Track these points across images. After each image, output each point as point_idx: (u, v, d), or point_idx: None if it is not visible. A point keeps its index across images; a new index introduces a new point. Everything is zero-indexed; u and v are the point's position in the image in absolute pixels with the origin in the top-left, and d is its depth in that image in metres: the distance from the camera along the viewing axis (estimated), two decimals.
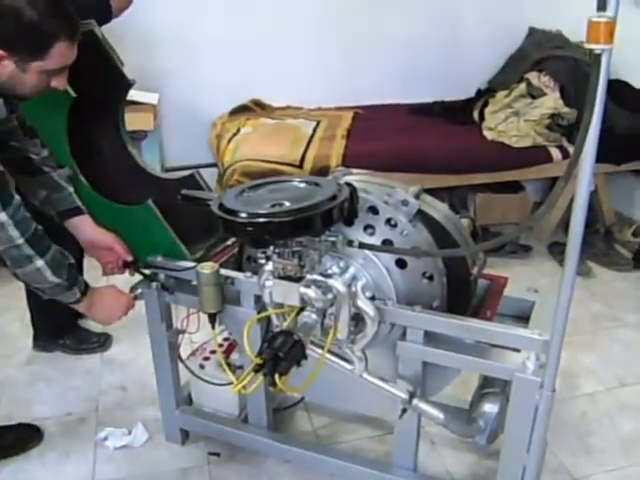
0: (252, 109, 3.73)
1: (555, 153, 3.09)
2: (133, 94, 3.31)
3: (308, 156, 3.03)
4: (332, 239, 1.43)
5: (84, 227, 1.82)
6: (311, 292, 1.45)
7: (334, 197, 1.39)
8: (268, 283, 1.49)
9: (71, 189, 1.82)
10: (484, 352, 1.55)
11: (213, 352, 2.05)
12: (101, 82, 1.96)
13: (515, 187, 3.50)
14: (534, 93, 3.17)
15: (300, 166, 2.97)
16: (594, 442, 2.10)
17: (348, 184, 1.50)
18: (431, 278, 1.58)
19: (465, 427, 1.65)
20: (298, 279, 1.45)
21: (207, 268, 1.70)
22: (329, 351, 1.61)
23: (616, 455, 2.06)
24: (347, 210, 1.45)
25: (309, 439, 2.11)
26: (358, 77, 3.82)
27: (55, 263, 1.56)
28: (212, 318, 1.77)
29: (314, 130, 3.39)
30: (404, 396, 1.59)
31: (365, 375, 1.62)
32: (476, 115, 3.39)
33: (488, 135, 3.20)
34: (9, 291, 2.82)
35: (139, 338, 1.95)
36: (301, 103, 3.82)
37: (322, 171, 2.95)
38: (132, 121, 3.23)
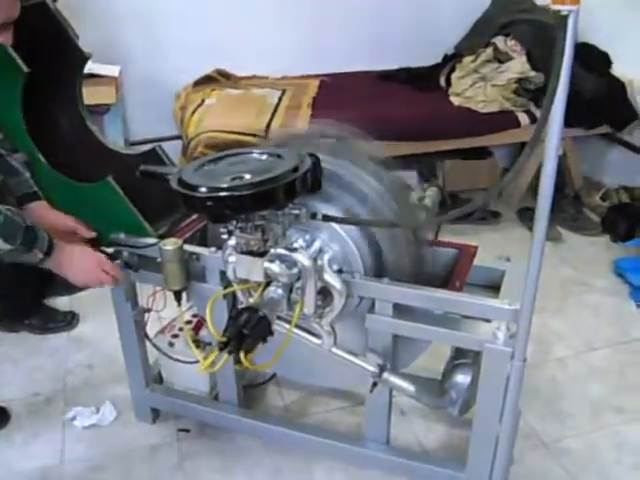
0: (217, 79, 3.63)
1: (523, 118, 3.06)
2: (93, 67, 3.24)
3: (273, 126, 2.97)
4: (295, 212, 1.39)
5: (42, 212, 1.76)
6: (275, 267, 1.42)
7: (296, 169, 1.35)
8: (231, 259, 1.45)
9: (28, 174, 1.76)
10: (454, 323, 1.53)
11: (182, 329, 2.01)
12: (55, 56, 1.89)
13: (483, 153, 3.49)
14: (501, 57, 3.14)
15: (265, 136, 2.91)
16: (564, 406, 2.12)
17: (311, 154, 1.45)
18: (399, 249, 1.55)
19: (437, 399, 1.64)
20: (262, 254, 1.41)
21: (170, 244, 1.65)
22: (297, 326, 1.58)
23: (585, 419, 2.08)
24: (310, 181, 1.41)
25: (280, 414, 2.09)
26: (324, 44, 3.74)
27: (6, 229, 1.48)
28: (177, 295, 1.72)
29: (279, 99, 3.32)
30: (374, 370, 1.58)
31: (334, 349, 1.60)
32: (443, 81, 3.35)
33: (455, 101, 3.17)
34: None
35: (106, 315, 1.90)
36: (267, 72, 3.73)
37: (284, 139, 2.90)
38: (93, 95, 3.16)
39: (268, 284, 1.48)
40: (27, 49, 1.78)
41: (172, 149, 3.23)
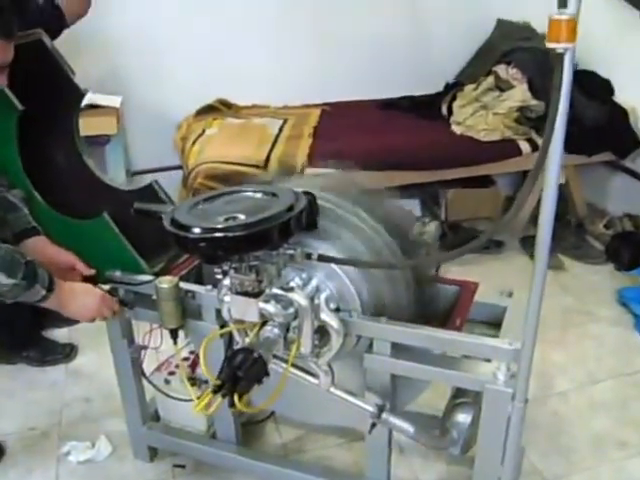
0: (218, 109, 3.64)
1: (524, 146, 3.05)
2: (94, 98, 3.26)
3: (273, 156, 2.96)
4: (290, 252, 1.37)
5: (41, 247, 1.74)
6: (270, 307, 1.40)
7: (291, 208, 1.33)
8: (226, 299, 1.43)
9: (26, 210, 1.75)
10: (454, 363, 1.50)
11: (177, 367, 1.99)
12: (52, 92, 1.90)
13: (486, 181, 3.46)
14: (502, 86, 3.14)
15: (265, 167, 2.91)
16: (567, 441, 2.08)
17: (307, 192, 1.44)
18: (397, 287, 1.53)
19: (437, 439, 1.60)
20: (257, 294, 1.39)
21: (166, 282, 1.63)
22: (294, 365, 1.56)
23: (589, 454, 2.04)
24: (306, 220, 1.40)
25: (278, 452, 2.06)
26: (326, 74, 3.76)
27: (6, 264, 1.46)
28: (173, 333, 1.71)
29: (280, 129, 3.32)
30: (373, 410, 1.55)
31: (332, 389, 1.56)
32: (444, 109, 3.35)
33: (457, 130, 3.16)
34: None
35: (105, 347, 1.88)
36: (268, 101, 3.74)
37: (287, 172, 2.89)
38: (94, 125, 3.17)
39: (265, 323, 1.46)
40: (23, 86, 1.79)
41: (174, 179, 3.25)
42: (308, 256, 1.39)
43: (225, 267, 1.40)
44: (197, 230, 1.28)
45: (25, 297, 1.52)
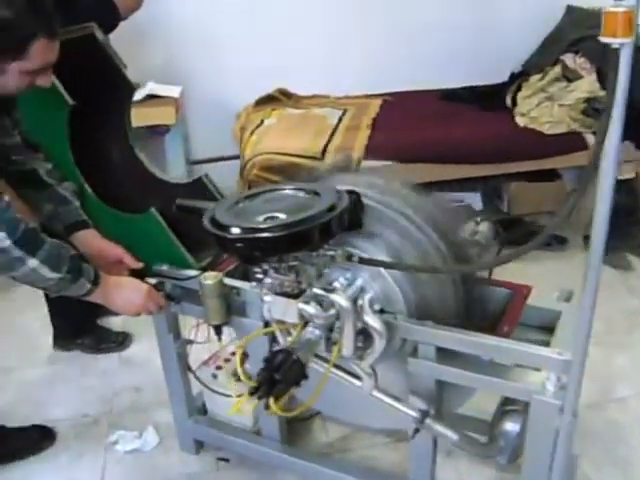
0: (278, 99, 3.63)
1: (591, 139, 2.91)
2: (154, 88, 3.30)
3: (330, 148, 2.92)
4: (331, 253, 1.33)
5: (91, 240, 1.76)
6: (310, 309, 1.37)
7: (332, 208, 1.29)
8: (266, 299, 1.41)
9: (77, 203, 1.77)
10: (501, 371, 1.43)
11: (227, 360, 1.99)
12: (104, 86, 1.90)
13: (551, 175, 3.32)
14: (569, 76, 3.00)
15: (321, 159, 2.87)
16: (624, 453, 1.97)
17: (351, 191, 1.40)
18: (444, 290, 1.47)
19: (483, 447, 1.54)
20: (297, 295, 1.36)
21: (210, 278, 1.62)
22: (338, 366, 1.53)
23: None
24: (348, 220, 1.36)
25: (323, 450, 2.03)
26: (387, 63, 3.69)
27: (52, 258, 1.46)
28: (218, 329, 1.70)
29: (339, 120, 3.28)
30: (416, 415, 1.50)
31: (375, 392, 1.53)
32: (509, 100, 3.23)
33: (520, 121, 3.04)
34: (29, 289, 2.80)
35: None
36: (328, 91, 3.71)
37: (344, 165, 2.85)
38: (154, 115, 3.22)
39: (307, 323, 1.43)
40: (74, 81, 1.80)
41: (233, 169, 3.26)
42: (349, 258, 1.35)
43: (265, 266, 1.38)
44: (235, 230, 1.26)
45: (71, 291, 1.54)
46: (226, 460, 2.00)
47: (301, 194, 1.40)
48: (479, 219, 1.84)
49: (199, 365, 1.96)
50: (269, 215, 1.30)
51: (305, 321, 1.42)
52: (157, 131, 3.33)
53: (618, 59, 0.97)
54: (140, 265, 1.77)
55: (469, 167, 3.04)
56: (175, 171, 3.43)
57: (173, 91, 3.30)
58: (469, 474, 1.92)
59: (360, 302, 1.45)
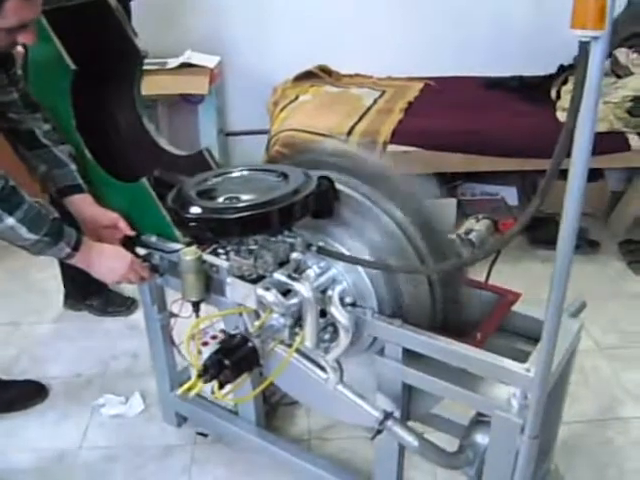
0: (318, 75, 3.55)
1: (634, 141, 2.73)
2: (192, 56, 3.28)
3: (356, 130, 2.84)
4: (290, 241, 1.28)
5: (84, 205, 1.75)
6: (269, 296, 1.31)
7: (295, 192, 1.23)
8: (228, 280, 1.37)
9: (73, 167, 1.75)
10: (471, 380, 1.35)
11: (214, 337, 1.96)
12: (113, 53, 1.88)
13: (593, 174, 3.15)
14: (619, 72, 2.81)
15: (346, 140, 2.79)
16: (613, 476, 1.86)
17: (326, 177, 1.33)
18: (419, 289, 1.40)
19: (448, 457, 1.47)
20: (255, 280, 1.32)
21: (189, 254, 1.58)
22: (305, 356, 1.49)
23: None
24: (318, 207, 1.30)
25: (302, 437, 2.00)
26: (435, 46, 3.56)
27: (30, 219, 1.46)
28: (195, 306, 1.67)
29: (375, 101, 3.19)
30: (378, 416, 1.44)
31: (339, 387, 1.47)
32: (554, 93, 3.06)
33: (561, 116, 2.88)
34: None
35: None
36: (371, 71, 3.61)
37: (368, 147, 2.77)
38: (187, 84, 3.21)
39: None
40: (84, 45, 1.79)
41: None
42: (308, 246, 1.29)
43: (228, 247, 1.34)
44: (191, 208, 1.22)
45: (51, 253, 1.54)
46: (205, 435, 2.00)
47: (271, 176, 1.34)
48: (480, 217, 1.75)
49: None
50: (231, 196, 1.25)
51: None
52: (191, 100, 3.33)
53: (587, 54, 0.88)
54: (133, 233, 1.76)
55: (504, 160, 2.90)
56: (206, 141, 3.42)
57: (209, 61, 3.27)
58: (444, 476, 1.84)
59: (330, 293, 1.39)
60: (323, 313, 1.40)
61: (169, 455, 1.94)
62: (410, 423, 1.52)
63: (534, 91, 3.20)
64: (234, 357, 1.28)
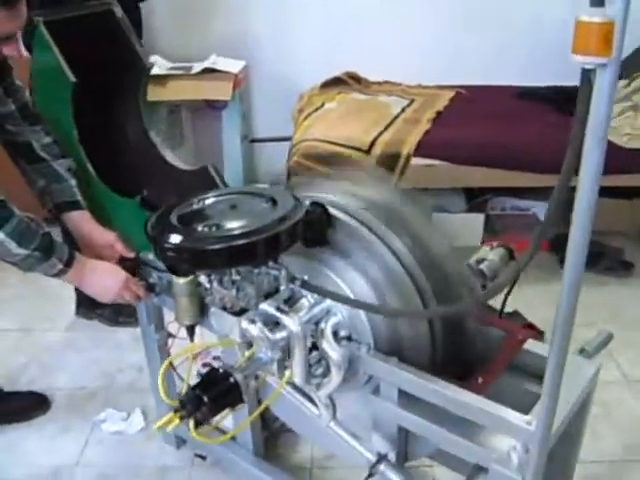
0: (346, 82, 3.47)
1: None
2: (216, 61, 3.22)
3: (380, 140, 2.73)
4: (274, 273, 1.20)
5: (82, 222, 1.70)
6: (253, 329, 1.24)
7: (280, 221, 1.15)
8: (212, 310, 1.29)
9: (73, 182, 1.71)
10: (467, 428, 1.25)
11: (216, 358, 1.90)
12: (117, 64, 1.85)
13: (630, 192, 2.99)
14: None
15: (368, 151, 2.70)
16: None
17: (317, 204, 1.25)
18: (419, 326, 1.30)
19: None
20: (238, 312, 1.24)
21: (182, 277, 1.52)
22: (299, 390, 1.40)
23: None
24: (310, 235, 1.21)
25: (304, 465, 1.91)
26: (466, 54, 3.44)
27: (19, 234, 1.42)
28: (190, 330, 1.60)
29: (403, 109, 3.09)
30: (371, 459, 1.35)
31: (332, 425, 1.39)
32: None
33: None
34: None
35: None
36: (401, 79, 3.50)
37: (391, 159, 2.67)
38: (210, 90, 3.16)
39: None
40: (88, 56, 1.75)
41: None
42: (292, 280, 1.20)
43: (212, 277, 1.26)
44: (168, 236, 1.15)
45: (42, 269, 1.49)
46: (203, 458, 1.93)
47: (259, 201, 1.26)
48: (495, 244, 1.64)
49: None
50: (212, 223, 1.18)
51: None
52: (214, 106, 3.27)
53: (590, 83, 0.77)
54: (131, 254, 1.70)
55: (533, 176, 2.76)
56: (229, 147, 3.37)
57: (234, 66, 3.20)
58: None
59: (322, 326, 1.31)
60: (316, 346, 1.32)
61: (166, 477, 1.89)
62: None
63: (570, 102, 3.03)
64: (213, 393, 1.21)
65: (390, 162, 2.67)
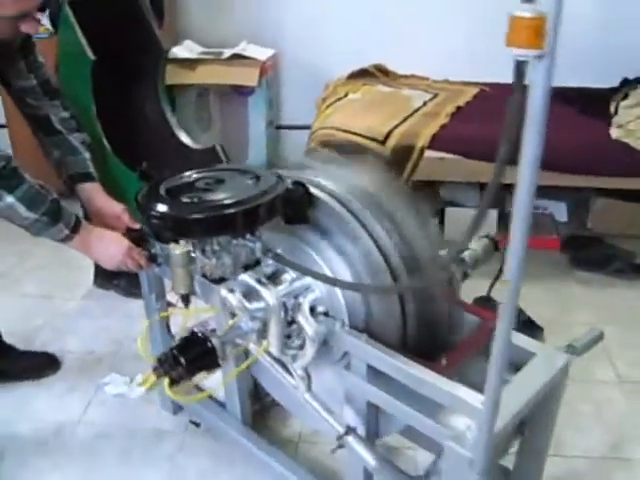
0: (373, 74, 3.52)
1: None
2: (245, 48, 3.31)
3: (396, 132, 2.77)
4: (250, 245, 1.27)
5: (93, 194, 1.80)
6: (232, 299, 1.31)
7: (259, 195, 1.22)
8: (196, 277, 1.37)
9: (86, 155, 1.80)
10: (429, 406, 1.30)
11: (214, 330, 1.98)
12: (137, 47, 1.94)
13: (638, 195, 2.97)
14: None
15: (384, 142, 2.74)
16: None
17: (299, 183, 1.31)
18: (391, 306, 1.36)
19: None
20: (217, 280, 1.32)
21: (178, 248, 1.60)
22: (279, 361, 1.48)
23: None
24: (291, 213, 1.28)
25: (292, 438, 1.99)
26: (494, 51, 3.37)
27: (29, 198, 1.52)
28: (184, 299, 1.68)
29: (424, 103, 3.12)
30: (340, 430, 1.41)
31: (306, 396, 1.45)
32: (612, 108, 2.90)
33: (614, 133, 2.72)
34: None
35: None
36: (429, 73, 3.53)
37: (405, 151, 2.72)
38: (236, 76, 3.25)
39: None
40: (110, 36, 1.84)
41: None
42: (266, 252, 1.27)
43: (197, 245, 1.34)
44: (154, 205, 1.23)
45: (49, 234, 1.58)
46: (197, 425, 2.02)
47: (245, 177, 1.33)
48: (482, 235, 1.68)
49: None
50: (196, 195, 1.25)
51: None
52: (241, 91, 3.36)
53: (522, 74, 0.82)
54: (137, 226, 1.78)
55: (550, 174, 2.76)
56: (254, 132, 3.45)
57: (262, 53, 3.28)
58: None
59: (301, 300, 1.38)
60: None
61: (159, 440, 1.98)
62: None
63: (593, 104, 3.04)
64: (190, 355, 1.29)
65: (404, 154, 2.71)
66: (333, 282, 1.30)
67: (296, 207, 1.30)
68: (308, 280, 1.40)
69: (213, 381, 1.88)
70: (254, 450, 1.80)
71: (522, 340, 1.49)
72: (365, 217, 1.36)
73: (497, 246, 1.66)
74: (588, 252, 2.84)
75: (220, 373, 1.77)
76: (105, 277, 2.69)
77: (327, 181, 1.41)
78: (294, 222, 1.32)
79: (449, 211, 3.05)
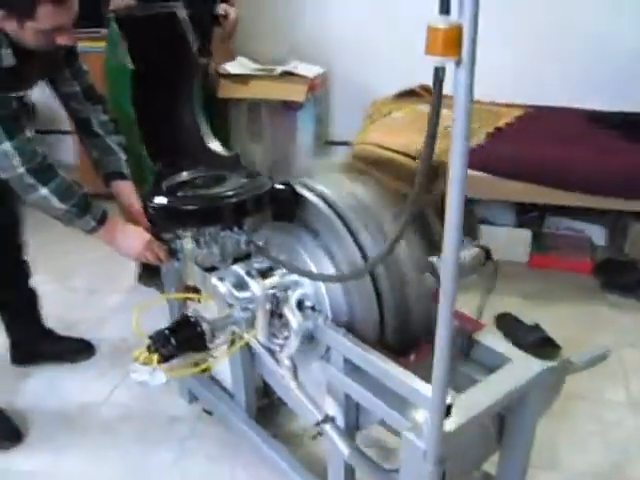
0: (419, 94, 3.59)
1: None
2: (296, 65, 3.47)
3: None
4: (236, 237, 1.39)
5: (124, 192, 1.95)
6: (221, 287, 1.43)
7: (241, 193, 1.34)
8: (188, 264, 1.50)
9: (122, 156, 1.96)
10: (395, 398, 1.37)
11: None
12: (174, 60, 2.10)
13: None
14: None
15: (417, 158, 2.82)
16: None
17: (288, 184, 1.43)
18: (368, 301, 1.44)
19: (382, 474, 1.48)
20: (209, 269, 1.44)
21: (189, 242, 1.74)
22: (269, 350, 1.58)
23: None
24: (275, 209, 1.40)
25: (297, 432, 2.07)
26: (539, 74, 3.47)
27: (61, 191, 1.68)
28: (194, 289, 1.82)
29: None
30: (318, 417, 1.50)
31: (291, 384, 1.55)
32: None
33: None
34: None
35: None
36: (476, 95, 3.57)
37: (438, 168, 2.77)
38: (285, 91, 3.40)
39: None
40: (151, 49, 2.02)
41: None
42: (248, 243, 1.39)
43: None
44: (153, 198, 1.37)
45: (79, 225, 1.75)
46: (209, 413, 2.14)
47: (242, 177, 1.46)
48: (474, 244, 1.74)
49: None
50: (192, 190, 1.39)
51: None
52: (290, 107, 3.50)
53: (440, 80, 0.91)
54: None
55: (590, 198, 2.78)
56: (302, 147, 3.59)
57: (311, 71, 3.43)
58: None
59: (289, 294, 1.48)
60: None
61: (173, 425, 2.12)
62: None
63: (636, 129, 3.01)
64: (180, 336, 1.41)
65: (437, 170, 2.77)
66: (301, 272, 1.41)
67: (283, 205, 1.41)
68: (297, 276, 1.50)
69: (223, 373, 2.03)
70: (255, 439, 1.90)
71: (502, 346, 1.54)
72: (352, 222, 1.45)
73: (489, 255, 1.71)
74: (622, 276, 2.81)
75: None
76: (149, 276, 2.87)
77: (330, 189, 1.51)
78: (281, 219, 1.43)
79: (484, 229, 3.08)
